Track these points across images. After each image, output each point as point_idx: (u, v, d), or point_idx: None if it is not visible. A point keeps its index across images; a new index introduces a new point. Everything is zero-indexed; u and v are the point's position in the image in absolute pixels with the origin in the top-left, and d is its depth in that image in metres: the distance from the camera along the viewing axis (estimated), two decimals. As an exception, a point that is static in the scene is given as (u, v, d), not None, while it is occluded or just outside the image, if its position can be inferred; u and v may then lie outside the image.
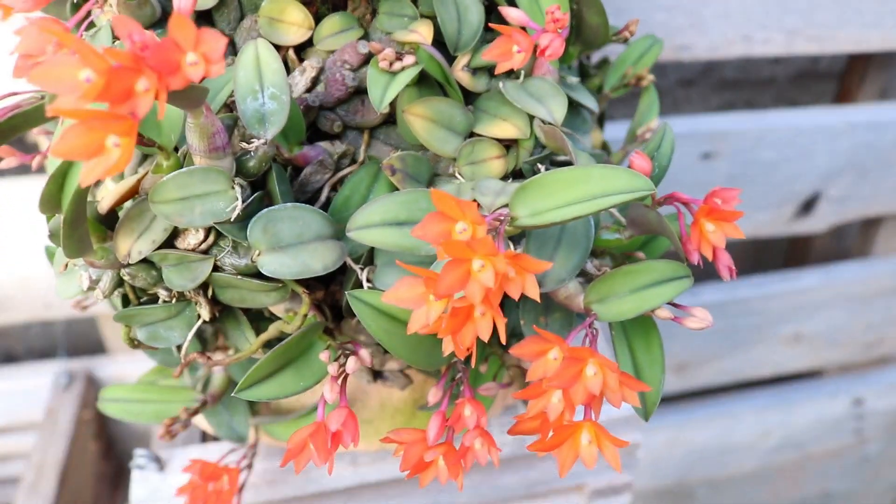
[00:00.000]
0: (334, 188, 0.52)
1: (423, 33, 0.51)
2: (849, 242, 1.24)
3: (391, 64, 0.47)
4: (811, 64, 1.13)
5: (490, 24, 0.48)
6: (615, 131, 0.83)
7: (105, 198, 0.46)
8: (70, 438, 0.93)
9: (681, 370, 1.13)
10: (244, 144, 0.44)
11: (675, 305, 0.46)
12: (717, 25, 0.93)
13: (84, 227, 0.44)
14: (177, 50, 0.36)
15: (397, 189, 0.50)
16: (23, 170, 1.08)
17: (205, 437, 0.69)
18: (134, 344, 0.50)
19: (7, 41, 0.48)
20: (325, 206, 0.51)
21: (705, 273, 1.13)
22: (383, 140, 0.53)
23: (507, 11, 0.50)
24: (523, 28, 0.51)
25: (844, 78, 1.13)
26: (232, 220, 0.43)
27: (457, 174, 0.51)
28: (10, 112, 0.47)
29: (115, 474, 1.05)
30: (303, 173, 0.51)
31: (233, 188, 0.43)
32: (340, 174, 0.52)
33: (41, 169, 0.60)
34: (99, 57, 0.34)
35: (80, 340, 1.10)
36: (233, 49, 0.53)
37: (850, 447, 1.25)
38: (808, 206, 1.05)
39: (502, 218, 0.42)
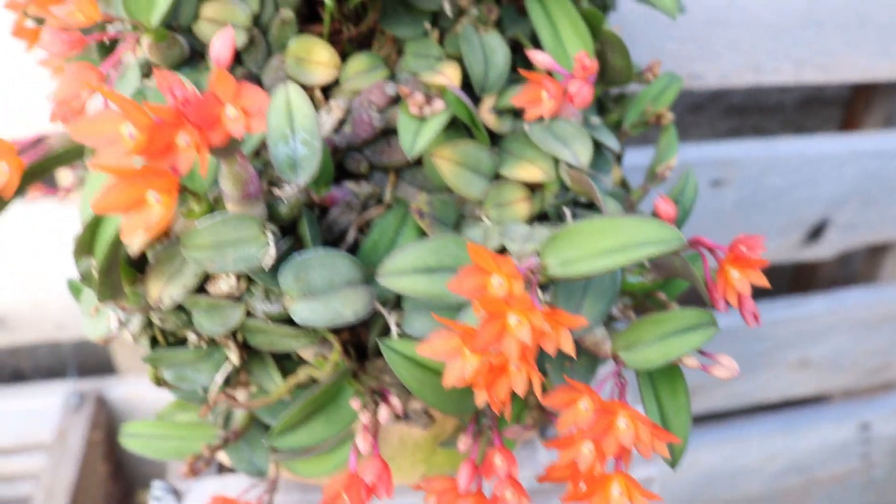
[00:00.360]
0: (361, 229, 0.52)
1: (450, 76, 0.51)
2: (855, 268, 1.24)
3: (421, 108, 0.48)
4: (817, 91, 1.14)
5: (520, 71, 0.48)
6: (628, 158, 0.84)
7: (135, 241, 0.46)
8: (80, 460, 0.93)
9: (691, 394, 1.13)
10: (276, 191, 0.45)
11: (701, 353, 0.46)
12: (727, 55, 0.93)
13: (117, 272, 0.44)
14: (217, 104, 0.36)
15: (424, 232, 0.50)
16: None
17: (221, 468, 0.69)
18: (160, 383, 0.50)
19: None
20: (352, 247, 0.52)
21: (713, 298, 1.13)
22: (409, 180, 0.54)
23: (534, 55, 0.50)
24: (550, 73, 0.51)
25: (850, 105, 1.14)
26: (266, 268, 0.43)
27: (483, 217, 0.51)
28: (42, 155, 0.47)
29: (124, 496, 1.05)
30: (330, 214, 0.51)
31: (265, 235, 0.44)
32: (367, 215, 0.52)
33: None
34: (141, 112, 0.35)
35: (90, 359, 1.10)
36: (259, 86, 0.53)
37: (857, 471, 1.25)
38: (816, 232, 1.06)
39: (535, 270, 0.43)
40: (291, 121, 0.45)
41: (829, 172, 1.02)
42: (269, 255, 0.43)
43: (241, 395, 0.53)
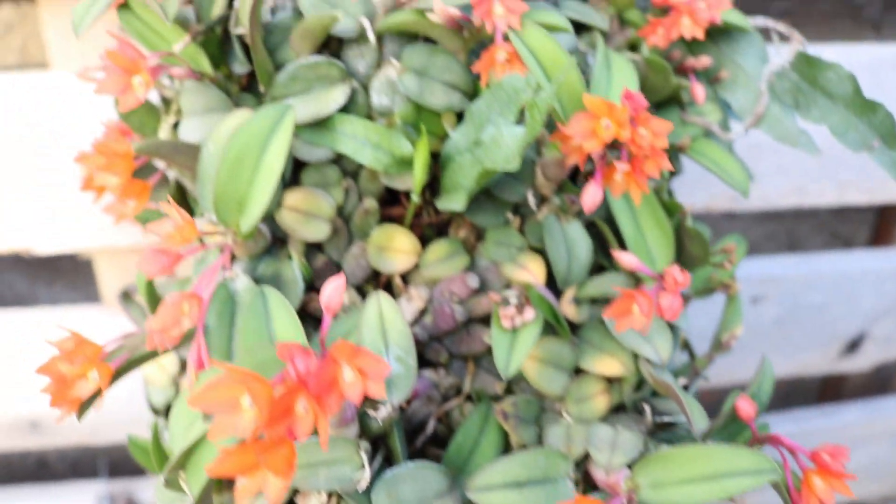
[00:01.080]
0: (440, 419, 0.52)
1: (534, 272, 0.51)
2: (885, 375, 1.24)
3: (513, 320, 0.48)
4: (852, 198, 1.15)
5: (615, 288, 0.48)
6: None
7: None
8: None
9: None
10: (371, 412, 0.44)
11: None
12: (771, 178, 0.94)
13: (209, 491, 0.43)
14: (334, 366, 0.36)
15: (506, 431, 0.50)
16: (74, 297, 1.08)
17: None
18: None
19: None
20: (432, 438, 0.51)
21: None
22: (487, 368, 0.53)
23: (620, 257, 0.50)
24: (635, 274, 0.52)
25: (883, 212, 1.15)
26: (360, 489, 0.43)
27: (564, 412, 0.51)
28: (126, 359, 0.47)
29: None
30: (410, 407, 0.51)
31: (359, 456, 0.43)
32: (447, 406, 0.52)
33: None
34: (262, 383, 0.34)
35: (121, 459, 1.09)
36: (336, 268, 0.53)
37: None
38: (853, 345, 1.06)
39: (631, 498, 0.42)
40: (385, 336, 0.45)
41: (868, 288, 1.03)
42: (365, 477, 0.43)
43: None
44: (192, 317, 0.41)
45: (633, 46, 0.61)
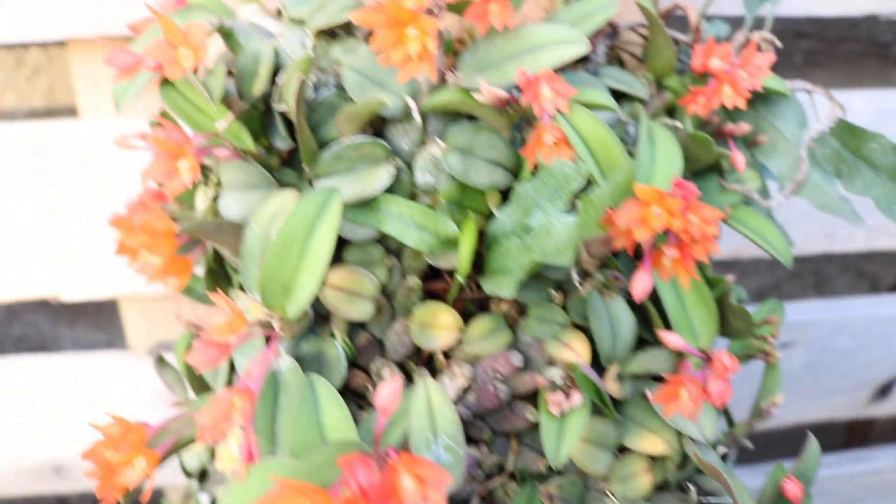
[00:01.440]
0: (483, 497, 0.52)
1: (579, 352, 0.51)
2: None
3: (560, 406, 0.47)
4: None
5: (662, 375, 0.47)
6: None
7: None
8: None
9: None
10: (420, 504, 0.44)
11: None
12: (800, 224, 0.93)
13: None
14: (395, 477, 0.36)
15: (552, 513, 0.50)
16: (97, 337, 1.08)
17: None
18: None
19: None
20: (474, 518, 0.51)
21: (777, 450, 1.12)
22: (530, 444, 0.53)
23: (665, 337, 0.50)
24: (681, 353, 0.51)
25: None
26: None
27: (608, 492, 0.51)
28: (171, 445, 0.47)
29: None
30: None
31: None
32: (490, 484, 0.51)
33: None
34: (325, 498, 0.34)
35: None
36: (381, 349, 0.53)
37: None
38: (884, 391, 1.05)
39: None
40: (433, 424, 0.45)
41: (898, 332, 1.02)
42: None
43: None
44: (242, 412, 0.41)
45: (671, 110, 0.61)
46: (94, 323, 1.09)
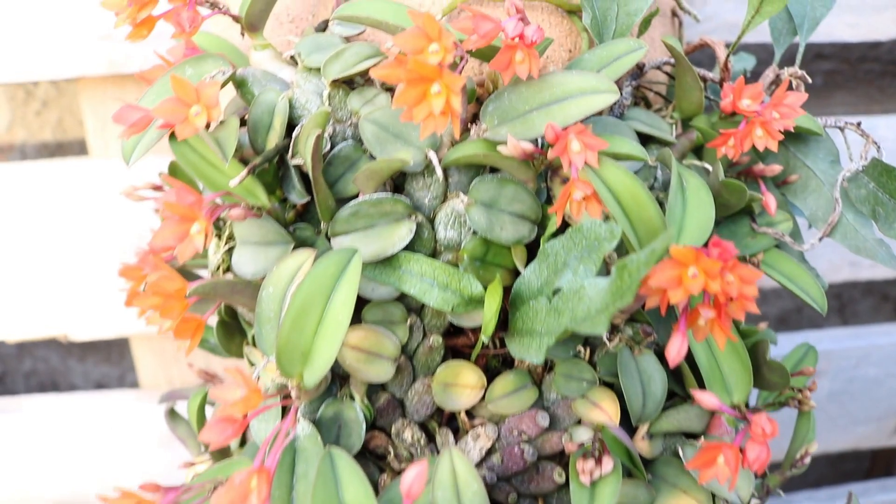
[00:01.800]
0: (509, 566, 0.49)
1: (609, 412, 0.49)
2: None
3: (591, 475, 0.45)
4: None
5: (706, 438, 0.45)
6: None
7: None
8: None
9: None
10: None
11: None
12: (825, 254, 0.91)
13: None
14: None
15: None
16: (107, 371, 1.06)
17: None
18: None
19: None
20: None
21: (800, 479, 1.09)
22: (557, 507, 0.51)
23: (700, 397, 0.47)
24: (716, 412, 0.49)
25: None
26: None
27: (641, 558, 0.48)
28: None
29: None
30: (479, 555, 0.48)
31: None
32: (516, 552, 0.49)
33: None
34: None
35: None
36: (402, 410, 0.51)
37: None
38: (910, 420, 1.02)
39: None
40: (459, 497, 0.43)
41: (925, 359, 0.99)
42: None
43: None
44: (260, 492, 0.39)
45: (698, 149, 0.59)
46: (105, 357, 1.08)
